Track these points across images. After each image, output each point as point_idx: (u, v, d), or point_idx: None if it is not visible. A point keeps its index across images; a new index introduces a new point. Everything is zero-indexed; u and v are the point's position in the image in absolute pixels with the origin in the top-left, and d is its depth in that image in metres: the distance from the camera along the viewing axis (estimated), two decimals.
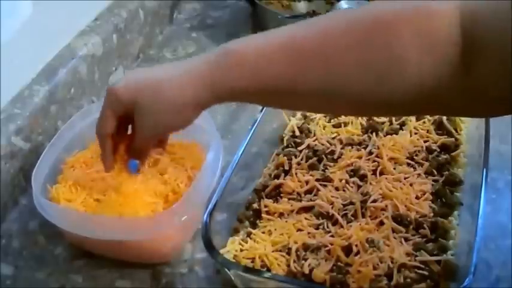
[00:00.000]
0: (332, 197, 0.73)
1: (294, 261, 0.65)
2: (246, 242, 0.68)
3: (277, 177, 0.76)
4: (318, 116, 0.85)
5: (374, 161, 0.77)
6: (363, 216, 0.70)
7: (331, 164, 0.77)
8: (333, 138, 0.81)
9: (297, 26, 0.56)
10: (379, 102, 0.53)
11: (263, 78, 0.55)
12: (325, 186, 0.74)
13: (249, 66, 0.55)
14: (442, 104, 0.53)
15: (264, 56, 0.55)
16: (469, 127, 0.84)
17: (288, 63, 0.54)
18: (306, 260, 0.65)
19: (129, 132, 0.66)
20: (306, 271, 0.64)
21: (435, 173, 0.76)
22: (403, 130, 0.82)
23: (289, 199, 0.73)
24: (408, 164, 0.77)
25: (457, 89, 0.51)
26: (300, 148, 0.80)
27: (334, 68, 0.53)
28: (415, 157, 0.78)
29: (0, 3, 0.76)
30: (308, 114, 0.86)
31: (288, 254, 0.66)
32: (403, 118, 0.84)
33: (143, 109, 0.60)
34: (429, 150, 0.79)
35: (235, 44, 0.57)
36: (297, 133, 0.83)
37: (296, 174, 0.76)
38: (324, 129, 0.83)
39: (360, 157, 0.78)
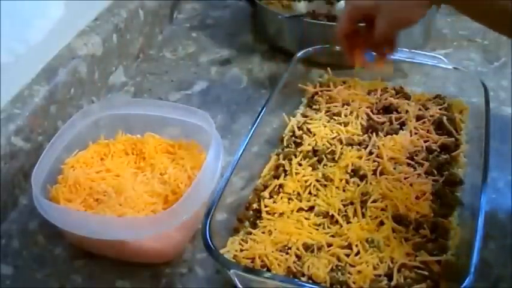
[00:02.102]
0: (332, 197, 0.73)
1: (294, 261, 0.65)
2: (246, 242, 0.68)
3: (277, 177, 0.76)
4: (318, 116, 0.85)
5: (374, 161, 0.77)
6: (363, 216, 0.70)
7: (331, 164, 0.77)
8: (333, 138, 0.81)
9: None
10: None
11: None
12: (325, 186, 0.74)
13: None
14: None
15: None
16: (469, 127, 0.84)
17: None
18: (306, 260, 0.65)
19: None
20: (306, 271, 0.64)
21: (435, 173, 0.76)
22: (403, 130, 0.82)
23: (289, 199, 0.73)
24: (408, 164, 0.77)
25: None
26: (300, 148, 0.80)
27: None
28: (415, 157, 0.78)
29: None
30: (308, 114, 0.86)
31: (288, 254, 0.66)
32: (403, 118, 0.84)
33: (384, 9, 0.74)
34: (429, 150, 0.79)
35: None
36: (297, 133, 0.83)
37: (296, 174, 0.76)
38: (324, 128, 0.83)
39: (360, 157, 0.78)
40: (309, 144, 0.80)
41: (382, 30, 0.76)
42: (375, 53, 0.84)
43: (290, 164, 0.77)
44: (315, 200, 0.73)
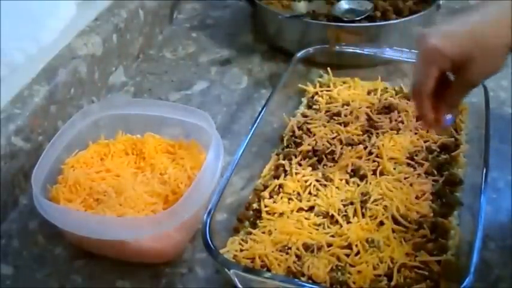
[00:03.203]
0: (332, 197, 0.73)
1: (294, 261, 0.65)
2: (246, 242, 0.68)
3: (277, 177, 0.76)
4: (318, 116, 0.85)
5: (374, 161, 0.77)
6: (363, 216, 0.70)
7: (331, 164, 0.77)
8: (333, 138, 0.81)
9: None
10: None
11: None
12: (325, 186, 0.74)
13: None
14: None
15: None
16: (469, 127, 0.84)
17: None
18: (306, 260, 0.65)
19: None
20: (306, 271, 0.64)
21: (435, 173, 0.76)
22: (403, 130, 0.82)
23: (289, 199, 0.73)
24: (408, 164, 0.77)
25: None
26: (300, 148, 0.80)
27: None
28: (415, 157, 0.78)
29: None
30: (308, 114, 0.86)
31: (288, 254, 0.66)
32: (403, 118, 0.84)
33: (475, 60, 0.63)
34: (429, 150, 0.79)
35: None
36: (297, 133, 0.83)
37: (296, 174, 0.76)
38: (324, 128, 0.83)
39: (360, 157, 0.78)
40: (309, 144, 0.80)
41: (476, 82, 0.67)
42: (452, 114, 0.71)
43: (290, 164, 0.77)
44: (315, 200, 0.73)
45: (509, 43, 0.63)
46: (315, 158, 0.78)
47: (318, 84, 0.92)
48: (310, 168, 0.77)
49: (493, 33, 0.64)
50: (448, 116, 0.70)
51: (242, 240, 0.69)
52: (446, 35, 0.64)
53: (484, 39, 0.63)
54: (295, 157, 0.78)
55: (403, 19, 0.99)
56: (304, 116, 0.86)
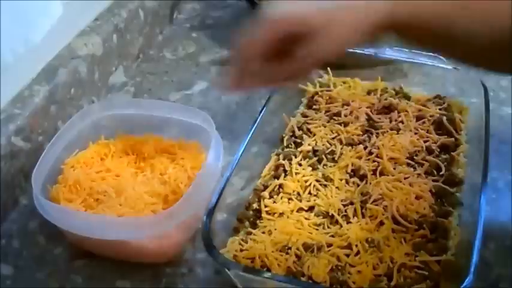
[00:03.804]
0: (332, 197, 0.73)
1: (294, 261, 0.65)
2: (246, 242, 0.68)
3: (277, 177, 0.76)
4: (318, 116, 0.85)
5: (374, 161, 0.77)
6: (363, 216, 0.70)
7: (331, 164, 0.77)
8: (333, 138, 0.81)
9: None
10: None
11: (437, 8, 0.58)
12: (325, 186, 0.74)
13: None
14: None
15: None
16: (469, 127, 0.84)
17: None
18: (306, 260, 0.65)
19: None
20: (306, 271, 0.64)
21: (435, 173, 0.76)
22: (403, 130, 0.82)
23: (289, 199, 0.73)
24: (408, 164, 0.77)
25: None
26: (300, 148, 0.80)
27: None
28: (415, 157, 0.78)
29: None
30: (308, 114, 0.86)
31: (288, 254, 0.66)
32: (403, 118, 0.84)
33: (319, 33, 0.59)
34: (429, 150, 0.79)
35: None
36: (297, 133, 0.83)
37: (296, 174, 0.76)
38: (324, 128, 0.83)
39: (360, 157, 0.78)
40: (309, 144, 0.80)
41: (327, 53, 0.61)
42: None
43: (290, 164, 0.77)
44: (315, 200, 0.73)
45: (378, 21, 0.59)
46: (315, 158, 0.78)
47: (318, 84, 0.92)
48: (310, 168, 0.77)
49: (350, 5, 0.59)
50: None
51: (242, 240, 0.69)
52: (289, 10, 0.60)
53: (333, 10, 0.59)
54: (295, 157, 0.78)
55: None
56: (304, 116, 0.86)
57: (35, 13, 0.77)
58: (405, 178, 0.74)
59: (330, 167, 0.77)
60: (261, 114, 0.80)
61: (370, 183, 0.74)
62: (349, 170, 0.76)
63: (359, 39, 0.61)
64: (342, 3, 0.60)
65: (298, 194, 0.74)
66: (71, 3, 0.88)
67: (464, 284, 0.58)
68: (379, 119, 0.84)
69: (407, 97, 0.88)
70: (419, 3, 0.60)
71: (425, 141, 0.80)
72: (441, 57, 0.85)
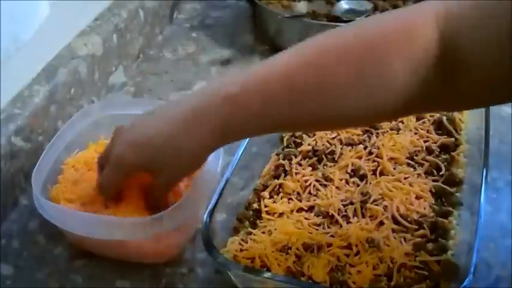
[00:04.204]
0: (332, 197, 0.73)
1: (294, 261, 0.65)
2: (246, 242, 0.68)
3: (277, 177, 0.76)
4: None
5: (374, 161, 0.77)
6: (363, 216, 0.70)
7: (331, 164, 0.77)
8: (333, 138, 0.81)
9: (288, 58, 0.57)
10: (369, 117, 0.58)
11: (266, 120, 0.58)
12: (325, 186, 0.74)
13: (254, 112, 0.57)
14: (426, 107, 0.61)
15: (266, 101, 0.56)
16: (469, 127, 0.84)
17: (289, 102, 0.56)
18: (305, 260, 0.65)
19: None
20: (306, 271, 0.64)
21: (435, 173, 0.76)
22: (403, 130, 0.82)
23: (289, 199, 0.73)
24: (408, 164, 0.77)
25: (441, 96, 0.54)
26: (300, 148, 0.80)
27: (331, 101, 0.56)
28: (415, 157, 0.78)
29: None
30: None
31: (288, 254, 0.66)
32: (403, 118, 0.84)
33: (162, 166, 0.62)
34: (429, 150, 0.79)
35: (233, 87, 0.57)
36: (297, 133, 0.83)
37: (296, 174, 0.76)
38: None
39: (360, 157, 0.78)
40: (309, 144, 0.80)
41: (164, 185, 0.65)
42: None
43: (290, 164, 0.77)
44: (314, 200, 0.73)
45: (203, 148, 0.60)
46: (315, 158, 0.78)
47: None
48: (310, 168, 0.77)
49: (184, 142, 0.60)
50: None
51: (242, 240, 0.69)
52: (130, 144, 0.62)
53: (173, 149, 0.60)
54: (295, 157, 0.78)
55: None
56: None
57: (23, 12, 0.77)
58: (405, 178, 0.74)
59: (330, 167, 0.77)
60: None
61: (370, 183, 0.74)
62: (349, 170, 0.76)
63: (203, 160, 0.63)
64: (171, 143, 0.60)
65: (298, 194, 0.74)
66: (70, 3, 0.89)
67: (464, 284, 0.58)
68: None
69: None
70: (247, 119, 0.58)
71: (425, 141, 0.80)
72: None
